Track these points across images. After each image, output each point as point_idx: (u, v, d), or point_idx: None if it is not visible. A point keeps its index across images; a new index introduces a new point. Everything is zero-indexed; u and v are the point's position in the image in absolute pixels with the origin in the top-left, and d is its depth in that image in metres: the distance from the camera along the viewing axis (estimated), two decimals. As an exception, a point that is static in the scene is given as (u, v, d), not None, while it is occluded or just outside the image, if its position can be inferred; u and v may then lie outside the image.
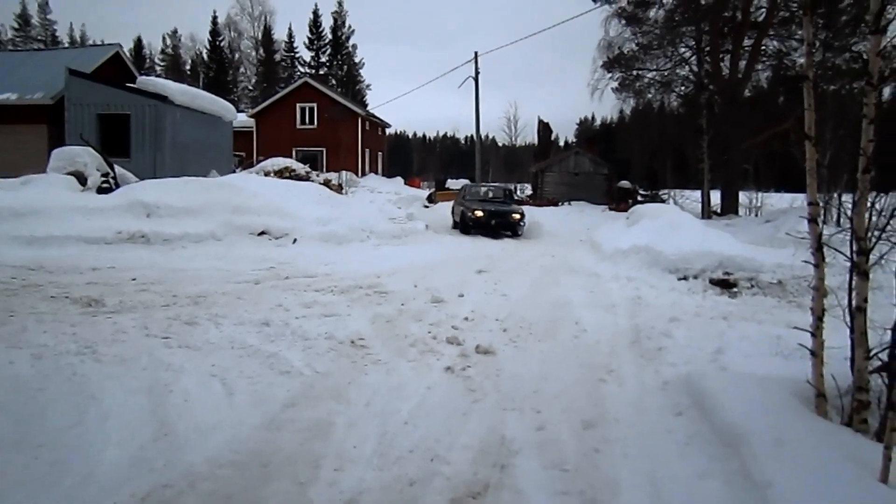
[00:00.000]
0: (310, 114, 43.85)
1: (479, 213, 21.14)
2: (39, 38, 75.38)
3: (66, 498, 3.99)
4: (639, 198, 32.71)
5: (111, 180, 18.01)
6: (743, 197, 31.43)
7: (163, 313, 8.25)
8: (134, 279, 10.43)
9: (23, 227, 13.27)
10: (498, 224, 21.38)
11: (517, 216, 21.70)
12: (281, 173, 21.64)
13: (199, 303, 8.89)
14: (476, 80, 37.96)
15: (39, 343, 6.90)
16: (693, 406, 5.68)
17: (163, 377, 6.04)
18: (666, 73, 32.85)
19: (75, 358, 6.55)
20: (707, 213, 28.74)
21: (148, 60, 79.65)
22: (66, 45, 69.30)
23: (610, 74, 33.51)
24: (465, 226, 21.28)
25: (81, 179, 17.63)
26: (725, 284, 11.40)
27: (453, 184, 35.01)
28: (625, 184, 35.00)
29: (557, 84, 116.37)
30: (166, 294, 9.37)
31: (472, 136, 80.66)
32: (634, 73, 33.20)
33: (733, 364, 6.82)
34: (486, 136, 77.58)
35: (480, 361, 6.86)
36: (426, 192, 37.16)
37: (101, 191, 17.22)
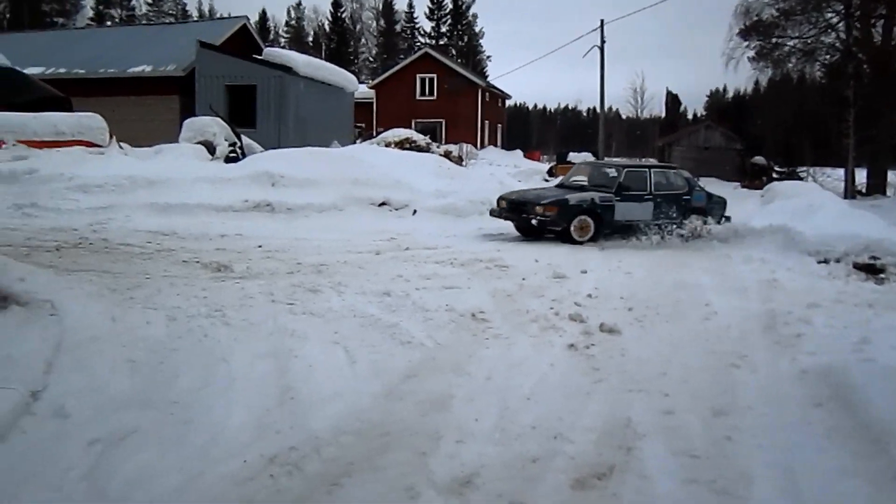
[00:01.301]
0: (429, 85, 44.17)
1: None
2: (171, 12, 79.30)
3: (198, 455, 4.20)
4: (774, 175, 31.17)
5: (238, 150, 18.79)
6: (892, 176, 29.37)
7: (287, 280, 8.55)
8: (260, 246, 10.85)
9: (156, 194, 14.08)
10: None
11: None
12: (402, 144, 21.91)
13: (321, 271, 9.16)
14: (602, 49, 37.08)
15: (172, 305, 7.29)
16: (834, 398, 5.37)
17: (287, 343, 6.26)
18: (809, 41, 30.97)
19: (206, 321, 6.88)
20: (851, 192, 27.09)
21: (272, 33, 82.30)
22: (196, 18, 72.52)
23: (746, 43, 31.97)
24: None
25: (210, 149, 18.47)
26: (871, 270, 10.69)
27: (575, 157, 34.48)
28: (759, 160, 33.45)
29: (687, 54, 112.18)
30: (290, 262, 9.70)
31: (594, 109, 79.04)
32: (773, 41, 31.50)
33: (881, 355, 6.38)
34: (610, 109, 75.81)
35: (604, 340, 6.73)
36: (546, 166, 36.82)
37: (228, 160, 17.99)
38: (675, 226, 13.60)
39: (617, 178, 13.82)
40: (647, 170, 14.49)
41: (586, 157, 34.22)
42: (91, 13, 75.72)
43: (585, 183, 14.24)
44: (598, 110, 40.03)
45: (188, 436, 4.47)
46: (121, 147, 18.84)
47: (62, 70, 25.57)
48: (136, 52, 25.71)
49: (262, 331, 6.63)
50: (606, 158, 33.16)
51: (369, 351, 6.08)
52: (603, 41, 37.05)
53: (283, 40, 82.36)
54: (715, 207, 14.44)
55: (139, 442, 4.38)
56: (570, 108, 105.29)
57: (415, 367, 5.74)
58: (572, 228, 12.97)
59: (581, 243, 12.84)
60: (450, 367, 5.81)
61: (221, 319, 6.91)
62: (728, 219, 14.42)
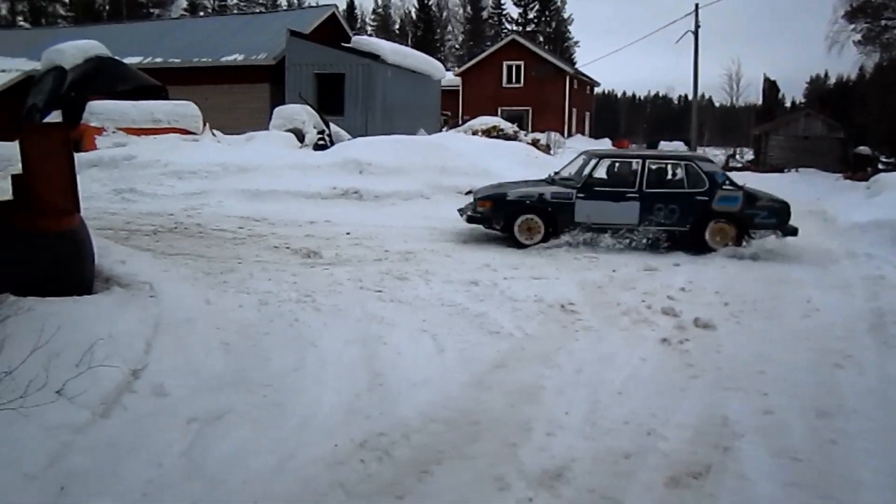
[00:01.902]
0: (516, 72, 43.91)
1: None
2: (261, 1, 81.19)
3: (290, 437, 4.31)
4: (879, 166, 29.71)
5: (326, 137, 19.14)
6: None
7: (375, 267, 8.67)
8: (348, 233, 11.04)
9: (247, 180, 14.48)
10: None
11: None
12: (489, 132, 21.88)
13: (408, 259, 9.25)
14: (696, 34, 36.05)
15: (264, 290, 7.49)
16: (949, 404, 5.11)
17: (376, 329, 6.35)
18: (922, 24, 29.32)
19: (296, 305, 7.05)
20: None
21: (359, 21, 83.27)
22: (285, 7, 74.07)
23: (852, 26, 30.45)
24: None
25: (300, 136, 18.88)
26: None
27: (666, 146, 33.69)
28: (863, 150, 31.91)
29: (787, 38, 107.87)
30: (378, 249, 9.83)
31: (685, 96, 76.89)
32: (882, 23, 29.94)
33: None
34: (703, 96, 73.70)
35: (699, 336, 6.57)
36: (635, 155, 36.03)
37: (317, 147, 18.36)
38: (680, 234, 10.70)
39: (585, 169, 11.18)
40: (638, 160, 11.17)
41: (678, 146, 33.40)
42: (185, 3, 78.32)
43: (571, 174, 11.51)
44: (691, 98, 39.02)
45: (281, 418, 4.59)
46: (213, 134, 19.46)
47: (158, 59, 26.56)
48: (228, 42, 26.48)
49: (351, 317, 6.74)
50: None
51: (457, 340, 6.11)
52: (697, 26, 35.99)
53: (369, 28, 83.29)
54: (760, 214, 10.65)
55: (234, 422, 4.53)
56: (660, 95, 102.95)
57: (503, 358, 5.74)
58: (516, 228, 10.82)
59: (526, 246, 10.60)
60: (539, 358, 5.78)
61: (311, 305, 7.07)
62: (792, 231, 10.87)
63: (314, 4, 36.65)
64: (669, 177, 11.34)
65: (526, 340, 6.19)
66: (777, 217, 10.75)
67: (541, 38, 69.55)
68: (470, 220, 11.18)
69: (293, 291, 7.48)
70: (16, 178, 6.43)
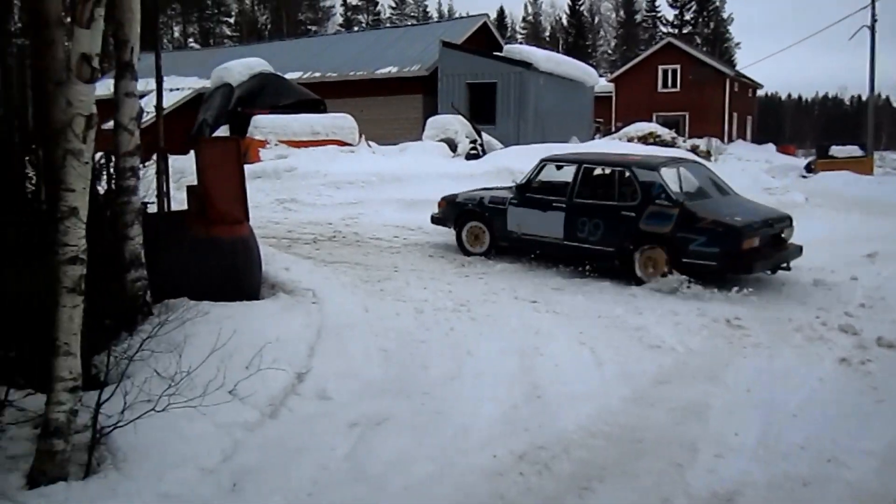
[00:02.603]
0: (672, 76, 42.65)
1: None
2: (412, 14, 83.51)
3: (450, 445, 4.36)
4: None
5: (479, 147, 19.34)
6: None
7: (530, 278, 8.66)
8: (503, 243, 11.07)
9: (402, 190, 14.84)
10: None
11: None
12: (645, 139, 21.41)
13: (571, 269, 9.16)
14: (872, 29, 33.69)
15: (420, 298, 7.66)
16: None
17: (532, 340, 6.33)
18: None
19: (452, 314, 7.15)
20: None
21: (509, 29, 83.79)
22: (436, 19, 75.71)
23: None
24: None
25: (452, 146, 19.17)
26: None
27: (838, 151, 31.59)
28: None
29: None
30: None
31: (859, 97, 71.98)
32: None
33: None
34: (878, 96, 68.64)
35: (884, 356, 6.08)
36: (802, 161, 34.12)
37: (469, 157, 18.58)
38: (607, 257, 8.71)
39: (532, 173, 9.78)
40: (574, 164, 9.35)
41: (852, 150, 31.17)
42: (340, 20, 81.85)
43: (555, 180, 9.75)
44: (865, 98, 36.47)
45: (440, 426, 4.65)
46: (369, 145, 20.11)
47: (317, 74, 27.79)
48: (382, 55, 27.36)
49: (507, 327, 6.75)
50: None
51: (616, 353, 5.99)
52: (874, 20, 33.63)
53: (520, 37, 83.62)
54: (697, 240, 7.99)
55: (394, 428, 4.64)
56: (829, 96, 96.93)
57: (666, 373, 5.56)
58: (463, 234, 10.08)
59: (471, 254, 9.87)
60: (704, 375, 5.56)
61: (467, 314, 7.15)
62: (779, 262, 8.56)
63: (465, 14, 37.26)
64: (603, 186, 9.20)
65: (689, 356, 5.97)
66: (720, 245, 7.94)
67: (698, 41, 67.22)
68: (432, 220, 10.81)
69: (449, 300, 7.60)
70: (191, 189, 6.93)
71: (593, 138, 26.18)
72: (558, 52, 45.34)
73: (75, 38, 3.35)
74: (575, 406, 4.90)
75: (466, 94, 23.38)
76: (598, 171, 9.38)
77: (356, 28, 71.15)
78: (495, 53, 24.26)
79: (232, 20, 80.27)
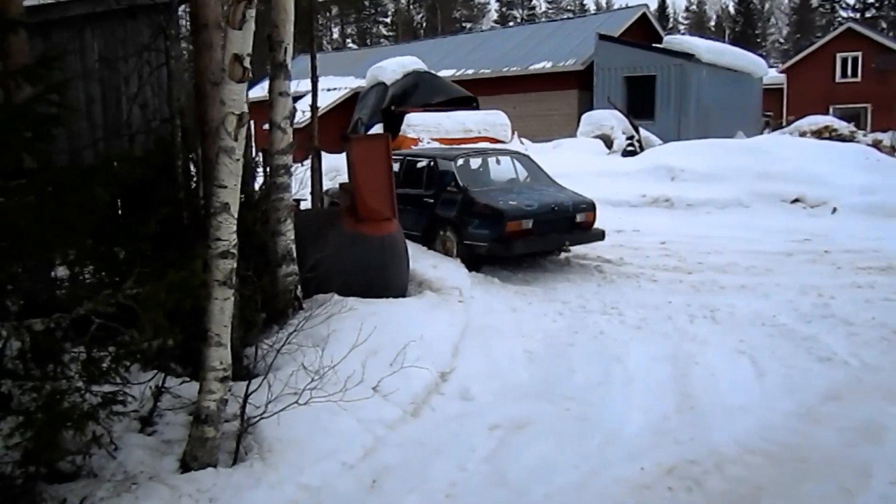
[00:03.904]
0: (852, 65, 39.81)
1: None
2: (569, 7, 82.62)
3: (594, 454, 4.26)
4: None
5: (636, 143, 18.85)
6: None
7: (686, 281, 8.33)
8: (663, 243, 10.73)
9: (555, 188, 14.69)
10: None
11: None
12: (820, 133, 20.05)
13: (725, 271, 8.75)
14: None
15: (569, 300, 7.54)
16: None
17: (687, 347, 6.08)
18: None
19: (601, 318, 7.00)
20: None
21: (671, 20, 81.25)
22: (594, 11, 74.58)
23: None
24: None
25: (608, 143, 18.82)
26: None
27: None
28: None
29: None
30: (690, 261, 9.42)
31: None
32: None
33: None
34: None
35: None
36: None
37: (625, 154, 18.15)
38: (421, 241, 9.02)
39: None
40: (400, 158, 9.80)
41: None
42: (495, 16, 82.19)
43: None
44: None
45: (584, 433, 4.55)
46: (521, 142, 20.08)
47: (470, 71, 28.05)
48: (536, 50, 27.22)
49: (660, 332, 6.53)
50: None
51: (780, 364, 5.62)
52: None
53: (682, 27, 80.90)
54: (472, 223, 8.60)
55: (537, 433, 4.58)
56: None
57: (836, 388, 5.16)
58: None
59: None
60: (881, 392, 5.11)
61: (618, 318, 6.97)
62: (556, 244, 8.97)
63: (624, 6, 36.43)
64: (418, 177, 9.62)
65: (864, 370, 5.50)
66: (489, 229, 8.40)
67: (883, 25, 62.50)
68: None
69: (598, 302, 7.45)
70: (343, 186, 7.18)
71: (761, 133, 24.91)
72: (724, 41, 43.51)
73: (227, 38, 3.52)
74: (731, 419, 4.65)
75: (624, 88, 22.86)
76: (417, 163, 9.89)
77: (511, 24, 71.30)
78: (654, 45, 23.54)
79: (388, 20, 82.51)
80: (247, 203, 5.66)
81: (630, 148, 18.52)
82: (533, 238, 8.64)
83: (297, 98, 25.22)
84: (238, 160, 3.62)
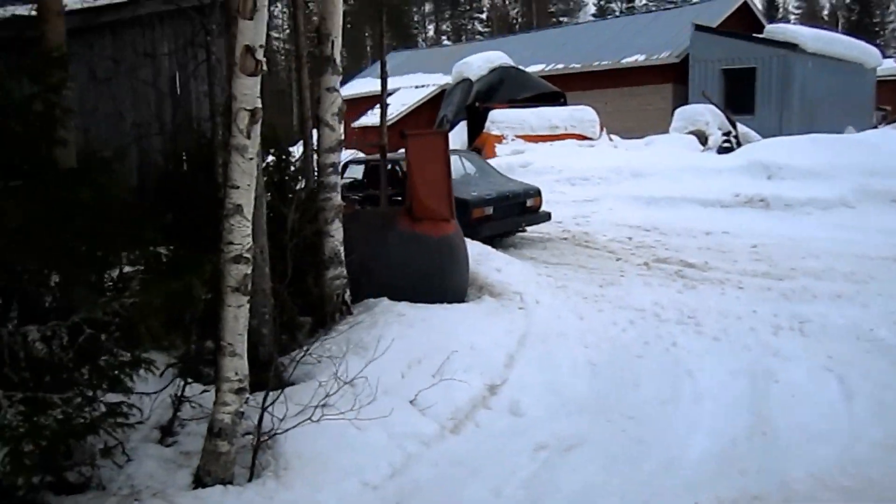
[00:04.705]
0: (982, 53, 37.25)
1: None
2: (671, 0, 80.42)
3: (646, 483, 3.88)
4: None
5: (732, 139, 17.99)
6: None
7: (776, 288, 7.73)
8: (754, 247, 10.08)
9: (641, 186, 14.15)
10: None
11: None
12: (935, 127, 18.77)
13: (820, 278, 8.09)
14: None
15: (643, 307, 7.10)
16: None
17: (768, 363, 5.58)
18: None
19: (676, 327, 6.54)
20: None
21: (780, 10, 78.05)
22: (693, 1, 72.34)
23: None
24: None
25: (702, 139, 18.03)
26: None
27: None
28: None
29: None
30: (782, 266, 8.79)
31: None
32: None
33: None
34: None
35: None
36: None
37: (721, 150, 17.33)
38: None
39: None
40: (363, 164, 11.64)
41: None
42: (593, 10, 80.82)
43: None
44: None
45: (639, 457, 4.17)
46: (610, 139, 19.50)
47: (560, 66, 27.43)
48: (630, 42, 26.38)
49: (739, 345, 6.04)
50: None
51: (873, 385, 5.06)
52: None
53: (792, 17, 77.58)
54: None
55: (586, 455, 4.23)
56: None
57: (937, 417, 4.59)
58: None
59: None
60: None
61: (694, 328, 6.51)
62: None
63: (726, -5, 35.00)
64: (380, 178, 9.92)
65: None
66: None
67: None
68: None
69: (675, 311, 6.98)
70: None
71: (875, 127, 23.45)
72: (836, 31, 41.40)
73: (238, 29, 3.33)
74: (808, 448, 4.17)
75: (721, 81, 21.88)
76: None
77: (608, 17, 70.05)
78: (755, 35, 22.42)
79: (484, 16, 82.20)
80: (291, 202, 5.52)
81: (726, 144, 17.66)
82: (494, 222, 9.85)
83: (388, 95, 25.33)
84: (251, 159, 3.42)
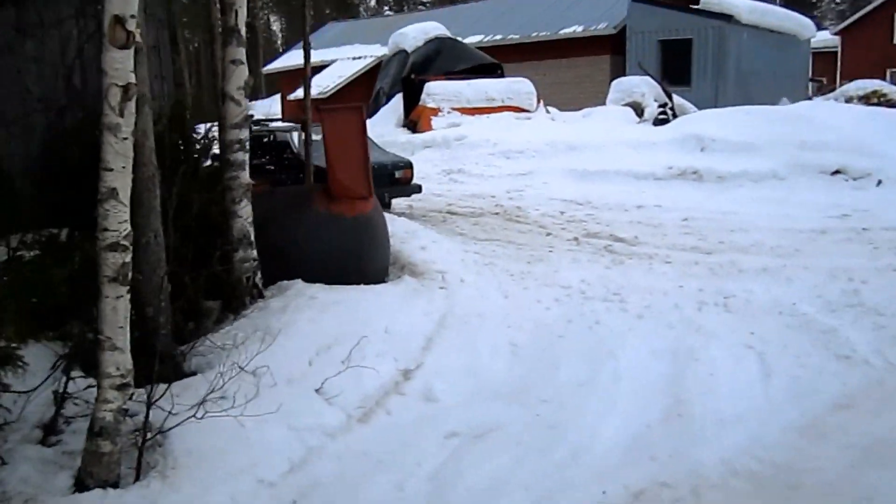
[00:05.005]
0: (913, 26, 38.14)
1: None
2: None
3: (554, 472, 3.77)
4: None
5: (669, 111, 18.06)
6: None
7: (704, 262, 7.72)
8: (685, 220, 10.09)
9: (575, 160, 14.10)
10: None
11: None
12: (868, 99, 19.06)
13: (747, 252, 8.12)
14: None
15: (569, 284, 7.00)
16: None
17: (690, 341, 5.53)
18: None
19: (601, 305, 6.46)
20: None
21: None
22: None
23: None
24: None
25: (638, 111, 18.07)
26: None
27: None
28: None
29: None
30: (711, 240, 8.80)
31: None
32: None
33: None
34: None
35: None
36: None
37: (657, 122, 17.38)
38: None
39: None
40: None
41: None
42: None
43: None
44: None
45: (550, 444, 4.06)
46: (547, 111, 19.43)
47: (498, 37, 27.19)
48: (568, 13, 26.22)
49: (663, 322, 5.97)
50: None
51: (791, 362, 5.04)
52: None
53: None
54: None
55: (497, 443, 4.11)
56: None
57: (851, 394, 4.55)
58: None
59: None
60: (900, 400, 4.52)
61: (619, 305, 6.43)
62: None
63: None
64: (263, 148, 11.20)
65: (887, 372, 4.87)
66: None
67: (949, -18, 59.86)
68: None
69: (601, 287, 6.90)
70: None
71: (809, 98, 23.83)
72: (775, 3, 41.97)
73: (106, -1, 3.06)
74: (722, 431, 4.10)
75: (658, 52, 21.94)
76: (262, 139, 11.34)
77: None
78: (691, 6, 22.49)
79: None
80: (194, 181, 5.26)
81: (662, 116, 17.73)
82: None
83: (322, 68, 24.91)
84: (126, 139, 3.17)
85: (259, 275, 5.69)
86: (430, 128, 18.03)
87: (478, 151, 15.73)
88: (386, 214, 9.25)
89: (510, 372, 5.19)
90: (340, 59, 30.66)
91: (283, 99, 31.81)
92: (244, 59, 5.41)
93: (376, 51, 27.93)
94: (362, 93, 24.51)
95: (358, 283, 6.05)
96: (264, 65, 39.21)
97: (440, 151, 16.47)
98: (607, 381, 4.91)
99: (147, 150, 4.21)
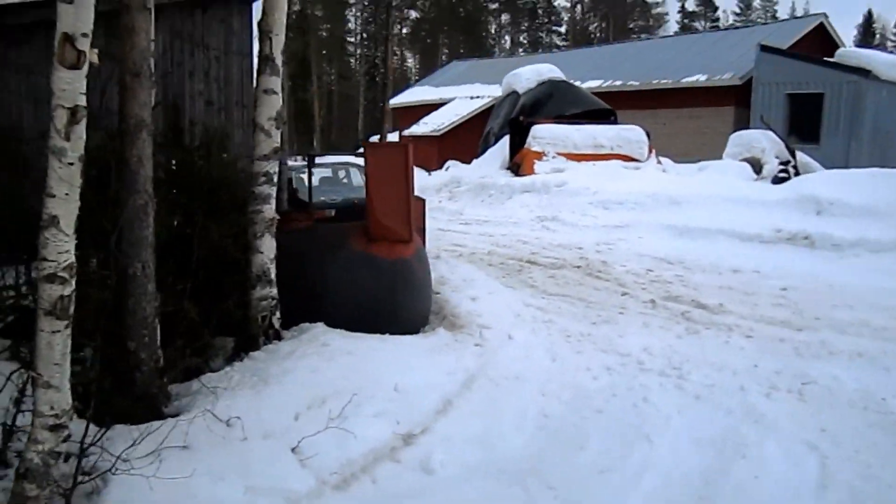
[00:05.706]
0: None
1: None
2: (759, 20, 78.16)
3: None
4: None
5: (790, 169, 17.06)
6: None
7: (790, 340, 7.00)
8: (784, 289, 9.29)
9: (677, 215, 13.43)
10: None
11: None
12: None
13: (844, 332, 7.32)
14: None
15: (628, 352, 6.49)
16: None
17: (743, 432, 4.89)
18: None
19: (656, 379, 5.90)
20: None
21: (878, 36, 75.21)
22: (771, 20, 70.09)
23: None
24: None
25: (757, 167, 17.18)
26: None
27: None
28: None
29: None
30: (806, 314, 8.01)
31: None
32: None
33: None
34: None
35: None
36: None
37: (777, 181, 16.43)
38: None
39: None
40: None
41: None
42: (676, 27, 79.16)
43: None
44: None
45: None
46: (659, 162, 18.75)
47: (618, 83, 26.59)
48: (692, 62, 25.36)
49: (721, 406, 5.36)
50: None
51: (859, 473, 4.31)
52: None
53: (890, 43, 74.72)
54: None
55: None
56: None
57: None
58: None
59: None
60: None
61: (676, 381, 5.86)
62: None
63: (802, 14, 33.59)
64: None
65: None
66: None
67: None
68: None
69: (663, 359, 6.34)
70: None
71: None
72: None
73: (58, 14, 2.91)
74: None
75: (786, 106, 20.86)
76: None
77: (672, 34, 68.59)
78: (825, 59, 21.34)
79: (562, 29, 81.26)
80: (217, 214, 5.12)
81: (783, 175, 16.73)
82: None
83: (440, 105, 25.14)
84: (71, 164, 2.99)
85: (277, 314, 5.47)
86: (532, 171, 17.71)
87: (576, 199, 15.28)
88: (450, 260, 8.99)
89: (527, 447, 4.73)
90: (459, 98, 30.85)
91: (400, 134, 32.25)
92: (278, 88, 5.24)
93: (495, 91, 27.93)
94: (477, 133, 24.47)
95: (389, 331, 5.75)
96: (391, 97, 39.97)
97: (538, 197, 16.12)
98: (632, 471, 4.37)
99: (142, 178, 4.07)
